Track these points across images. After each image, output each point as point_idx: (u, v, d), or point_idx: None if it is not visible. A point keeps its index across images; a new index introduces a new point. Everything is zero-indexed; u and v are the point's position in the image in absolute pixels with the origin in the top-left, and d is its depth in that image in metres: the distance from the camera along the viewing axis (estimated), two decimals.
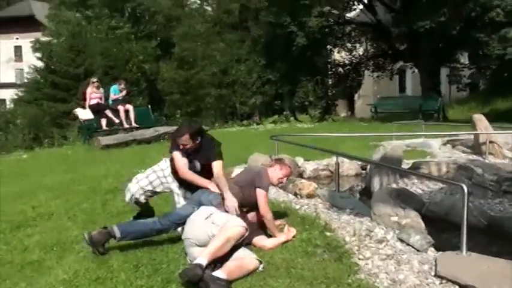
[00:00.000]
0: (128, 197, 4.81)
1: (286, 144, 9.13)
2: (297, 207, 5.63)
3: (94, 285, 3.54)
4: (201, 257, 3.54)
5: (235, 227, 3.76)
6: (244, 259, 3.75)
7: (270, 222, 4.40)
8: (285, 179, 4.79)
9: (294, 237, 4.39)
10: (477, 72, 26.57)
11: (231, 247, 3.68)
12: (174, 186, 4.72)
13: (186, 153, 4.55)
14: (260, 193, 4.40)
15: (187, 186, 4.62)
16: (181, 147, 4.52)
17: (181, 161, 4.54)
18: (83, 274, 3.75)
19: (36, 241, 4.62)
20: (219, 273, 3.46)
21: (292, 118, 26.00)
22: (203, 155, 4.57)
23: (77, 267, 3.88)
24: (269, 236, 4.39)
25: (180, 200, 4.67)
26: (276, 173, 4.64)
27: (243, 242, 3.92)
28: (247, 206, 4.52)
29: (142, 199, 4.79)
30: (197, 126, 4.69)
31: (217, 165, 4.51)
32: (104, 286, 3.52)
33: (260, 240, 4.29)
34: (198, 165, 4.58)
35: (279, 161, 4.94)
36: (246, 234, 3.82)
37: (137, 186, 4.75)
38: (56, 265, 3.98)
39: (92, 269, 3.85)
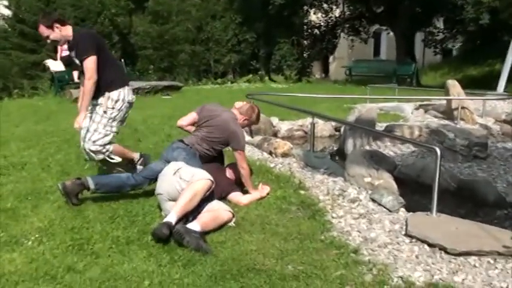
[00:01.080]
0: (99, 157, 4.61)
1: (261, 103, 9.11)
2: (272, 165, 5.69)
3: (70, 234, 3.54)
4: (171, 213, 3.59)
5: (201, 180, 3.79)
6: (218, 210, 3.81)
7: (247, 179, 4.46)
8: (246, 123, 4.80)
9: (267, 194, 4.46)
10: (451, 37, 26.73)
11: (199, 200, 3.73)
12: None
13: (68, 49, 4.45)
14: (238, 153, 4.43)
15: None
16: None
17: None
18: (58, 223, 3.76)
19: (9, 190, 4.57)
20: (194, 225, 3.52)
21: (266, 78, 25.88)
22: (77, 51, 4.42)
23: (53, 217, 3.88)
24: (245, 193, 4.45)
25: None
26: (242, 123, 4.69)
27: (215, 196, 3.99)
28: (207, 158, 4.52)
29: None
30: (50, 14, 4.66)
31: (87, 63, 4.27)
32: (79, 235, 3.53)
33: (236, 196, 4.36)
34: (76, 60, 4.44)
35: (252, 113, 4.79)
36: (213, 187, 3.85)
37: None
38: (31, 214, 3.96)
39: (68, 218, 3.85)
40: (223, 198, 4.24)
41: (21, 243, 3.41)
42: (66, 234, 3.54)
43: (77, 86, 13.07)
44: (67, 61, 13.07)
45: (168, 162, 4.22)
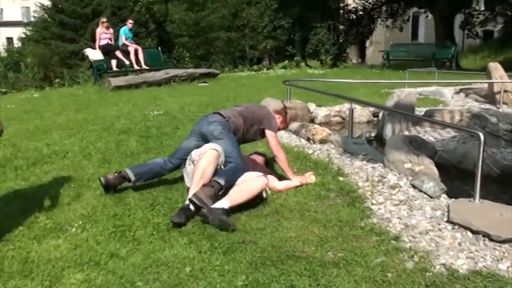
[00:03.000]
0: None
1: (297, 89, 9.07)
2: (310, 152, 5.66)
3: (112, 221, 3.61)
4: (188, 195, 3.69)
5: (205, 154, 3.85)
6: (246, 181, 3.86)
7: (283, 162, 4.40)
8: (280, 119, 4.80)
9: (306, 184, 4.39)
10: (492, 19, 25.90)
11: (212, 171, 3.81)
12: None
13: None
14: (270, 134, 4.41)
15: None
16: None
17: None
18: (100, 210, 3.84)
19: (53, 177, 4.69)
20: (222, 203, 3.58)
21: (302, 64, 25.71)
22: None
23: (95, 204, 3.97)
24: (281, 179, 4.41)
25: None
26: (277, 122, 4.63)
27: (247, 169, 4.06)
28: (246, 141, 4.56)
29: None
30: None
31: None
32: (121, 222, 3.60)
33: (271, 180, 4.25)
34: None
35: (286, 113, 4.83)
36: (221, 155, 3.90)
37: None
38: (74, 201, 4.05)
39: (109, 205, 3.93)
40: None
41: (66, 230, 3.50)
42: (109, 221, 3.61)
43: (115, 74, 13.33)
44: (105, 49, 13.37)
45: (202, 135, 4.20)
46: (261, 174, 3.97)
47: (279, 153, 4.39)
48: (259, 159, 4.65)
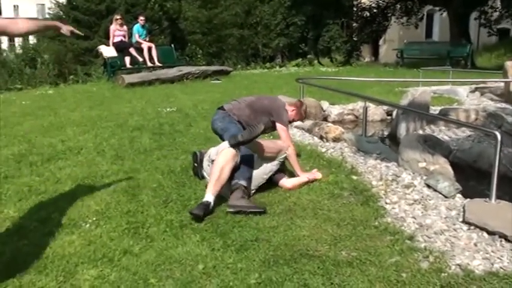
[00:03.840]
0: None
1: (310, 87, 9.04)
2: (323, 150, 5.63)
3: (126, 218, 3.62)
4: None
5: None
6: (214, 165, 3.87)
7: (292, 157, 4.37)
8: (292, 122, 4.89)
9: (315, 180, 4.37)
10: (509, 16, 25.59)
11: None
12: None
13: None
14: (280, 127, 4.43)
15: None
16: None
17: None
18: (114, 207, 3.85)
19: (67, 174, 4.72)
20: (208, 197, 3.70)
21: (315, 62, 25.64)
22: None
23: (108, 200, 3.98)
24: (290, 176, 4.40)
25: None
26: (291, 114, 4.66)
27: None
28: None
29: None
30: None
31: None
32: (135, 219, 3.61)
33: (279, 178, 4.29)
34: None
35: (301, 105, 4.83)
36: (239, 154, 3.90)
37: None
38: (88, 197, 4.07)
39: (123, 202, 3.94)
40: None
41: (80, 226, 3.52)
42: (122, 218, 3.62)
43: (129, 71, 13.37)
44: (119, 47, 13.43)
45: (215, 133, 4.49)
46: (224, 147, 3.96)
47: (289, 146, 4.38)
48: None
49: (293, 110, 4.67)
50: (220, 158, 3.83)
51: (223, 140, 4.20)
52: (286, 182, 4.28)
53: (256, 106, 4.48)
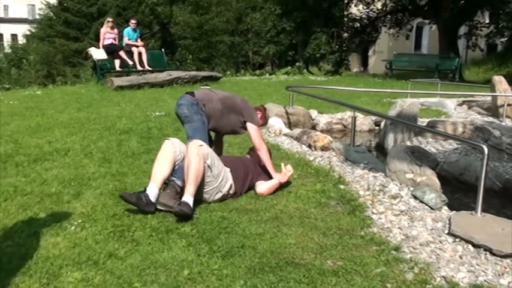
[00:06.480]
0: None
1: (299, 95, 9.07)
2: (311, 158, 5.65)
3: (111, 221, 3.59)
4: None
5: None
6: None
7: (268, 160, 4.38)
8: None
9: (288, 179, 4.41)
10: (496, 32, 25.92)
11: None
12: None
13: None
14: (252, 128, 4.42)
15: None
16: None
17: None
18: (100, 209, 3.81)
19: (54, 175, 4.67)
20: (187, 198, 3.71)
21: (305, 70, 25.73)
22: None
23: (95, 203, 3.95)
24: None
25: None
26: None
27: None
28: (223, 129, 4.59)
29: None
30: None
31: None
32: (121, 222, 3.58)
33: (257, 186, 4.32)
34: None
35: (265, 110, 4.90)
36: (208, 149, 3.96)
37: None
38: (74, 199, 4.04)
39: (109, 205, 3.91)
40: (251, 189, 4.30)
41: (65, 228, 3.48)
42: (108, 221, 3.59)
43: (118, 74, 13.32)
44: (109, 49, 13.37)
45: (178, 117, 4.46)
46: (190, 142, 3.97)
47: (261, 146, 4.38)
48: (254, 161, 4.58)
49: (258, 114, 4.69)
50: (193, 160, 3.80)
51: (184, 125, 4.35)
52: (259, 188, 4.31)
53: (228, 103, 4.46)
